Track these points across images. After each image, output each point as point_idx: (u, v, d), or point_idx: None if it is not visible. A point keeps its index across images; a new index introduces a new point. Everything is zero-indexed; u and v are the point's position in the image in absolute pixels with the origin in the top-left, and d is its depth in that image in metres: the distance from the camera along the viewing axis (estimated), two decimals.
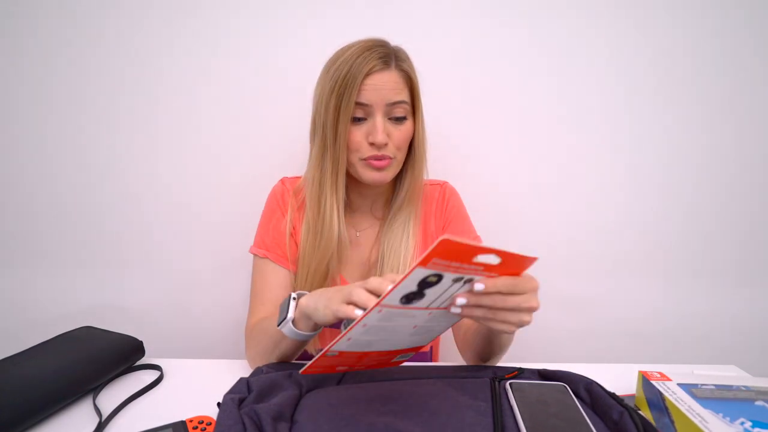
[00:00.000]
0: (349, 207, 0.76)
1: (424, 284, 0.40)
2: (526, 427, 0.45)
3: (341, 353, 0.50)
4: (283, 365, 0.59)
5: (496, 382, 0.54)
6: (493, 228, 0.83)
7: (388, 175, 0.68)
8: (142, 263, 1.01)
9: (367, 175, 0.68)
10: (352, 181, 0.72)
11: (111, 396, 0.58)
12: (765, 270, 1.08)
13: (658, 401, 0.53)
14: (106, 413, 0.54)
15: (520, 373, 0.58)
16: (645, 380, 0.57)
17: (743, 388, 0.54)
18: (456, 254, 0.38)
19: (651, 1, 0.94)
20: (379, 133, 0.64)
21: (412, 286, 0.40)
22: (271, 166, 0.91)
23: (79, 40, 0.90)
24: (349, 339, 0.46)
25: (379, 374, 0.57)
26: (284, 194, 0.76)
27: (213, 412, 0.52)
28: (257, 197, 0.81)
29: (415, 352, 0.54)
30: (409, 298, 0.41)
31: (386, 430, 0.43)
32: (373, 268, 0.76)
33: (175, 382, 0.62)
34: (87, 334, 0.67)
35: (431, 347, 0.82)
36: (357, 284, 0.48)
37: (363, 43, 0.65)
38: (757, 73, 0.97)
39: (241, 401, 0.47)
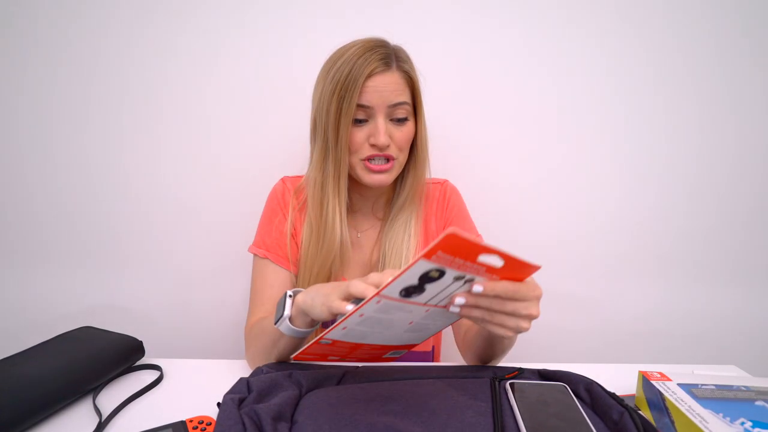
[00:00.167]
0: (350, 208, 0.76)
1: (426, 279, 0.40)
2: (526, 427, 0.45)
3: (334, 342, 0.51)
4: (283, 365, 0.59)
5: (496, 382, 0.54)
6: (493, 228, 0.83)
7: (390, 177, 0.68)
8: (142, 263, 1.01)
9: (369, 177, 0.68)
10: (352, 182, 0.72)
11: (111, 396, 0.58)
12: (765, 270, 1.08)
13: (658, 401, 0.53)
14: (106, 413, 0.54)
15: (520, 373, 0.58)
16: (645, 380, 0.57)
17: (743, 388, 0.53)
18: (460, 250, 0.38)
19: (650, 2, 0.94)
20: (381, 134, 0.64)
21: (413, 279, 0.40)
22: (271, 166, 0.91)
23: (80, 39, 0.90)
24: (344, 328, 0.47)
25: (379, 374, 0.57)
26: (285, 194, 0.76)
27: (213, 412, 0.52)
28: (257, 197, 0.81)
29: (408, 350, 0.54)
30: (408, 292, 0.41)
31: (386, 430, 0.43)
32: (374, 268, 0.76)
33: (175, 382, 0.62)
34: (87, 334, 0.67)
35: (433, 347, 0.82)
36: (356, 280, 0.48)
37: (363, 44, 0.64)
38: (755, 73, 0.97)
39: (241, 401, 0.47)
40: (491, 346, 0.60)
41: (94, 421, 0.52)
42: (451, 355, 0.89)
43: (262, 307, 0.70)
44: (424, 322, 0.48)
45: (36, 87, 0.92)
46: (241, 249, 0.80)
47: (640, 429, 0.44)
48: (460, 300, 0.43)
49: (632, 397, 0.59)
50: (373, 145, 0.65)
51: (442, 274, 0.40)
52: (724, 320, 1.10)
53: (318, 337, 0.48)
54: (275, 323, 0.56)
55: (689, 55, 0.96)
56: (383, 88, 0.63)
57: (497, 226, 0.95)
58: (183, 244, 1.01)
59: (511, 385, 0.53)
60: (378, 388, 0.52)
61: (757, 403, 0.51)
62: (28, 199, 0.96)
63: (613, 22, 0.94)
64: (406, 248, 0.72)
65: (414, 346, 0.53)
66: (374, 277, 0.47)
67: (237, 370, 0.65)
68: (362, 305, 0.42)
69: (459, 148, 0.99)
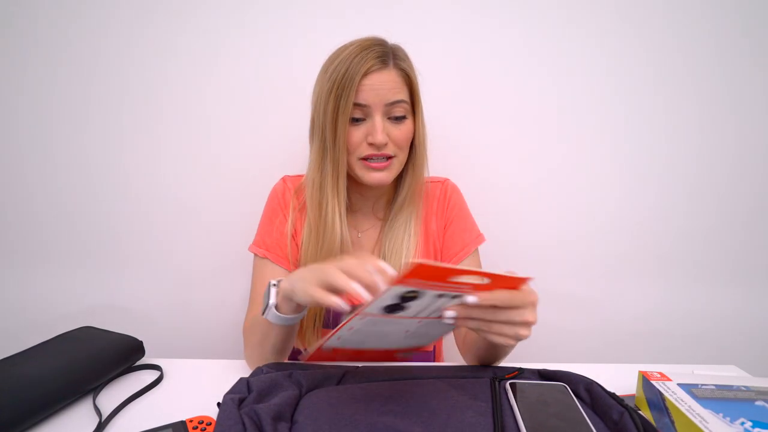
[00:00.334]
0: (350, 208, 0.76)
1: (405, 299, 0.40)
2: (526, 427, 0.45)
3: (335, 350, 0.51)
4: (283, 365, 0.59)
5: (496, 382, 0.54)
6: (493, 228, 0.83)
7: (389, 175, 0.68)
8: (142, 263, 1.01)
9: (368, 176, 0.67)
10: (352, 182, 0.72)
11: (111, 396, 0.58)
12: (765, 270, 1.08)
13: (658, 401, 0.53)
14: (106, 413, 0.54)
15: (520, 373, 0.58)
16: (645, 380, 0.57)
17: (743, 388, 0.53)
18: (432, 275, 0.38)
19: (650, 2, 0.94)
20: (379, 133, 0.64)
21: (392, 299, 0.40)
22: (271, 166, 0.91)
23: (80, 39, 0.90)
24: (338, 338, 0.48)
25: (379, 374, 0.57)
26: (285, 193, 0.76)
27: (213, 412, 0.52)
28: (257, 197, 0.81)
29: (417, 351, 0.54)
30: (391, 309, 0.42)
31: (386, 430, 0.43)
32: None
33: (175, 382, 0.62)
34: (87, 334, 0.67)
35: (434, 347, 0.82)
36: (333, 265, 0.46)
37: (360, 43, 0.64)
38: (755, 73, 0.97)
39: (241, 401, 0.47)
40: (491, 350, 0.60)
41: (94, 421, 0.52)
42: (453, 356, 0.89)
43: (259, 306, 0.70)
44: (421, 330, 0.49)
45: (36, 87, 0.92)
46: (241, 249, 0.80)
47: (640, 429, 0.44)
48: (450, 314, 0.43)
49: (632, 397, 0.59)
50: (371, 144, 0.65)
51: (422, 294, 0.40)
52: (724, 320, 1.10)
53: (317, 345, 0.50)
54: (262, 313, 0.56)
55: (689, 55, 0.96)
56: (380, 86, 0.63)
57: (497, 226, 0.94)
58: (183, 244, 1.01)
59: (511, 385, 0.53)
60: (378, 388, 0.52)
61: (757, 403, 0.51)
62: (28, 199, 0.96)
63: (613, 22, 0.94)
64: (407, 248, 0.72)
65: (423, 348, 0.53)
66: (350, 264, 0.44)
67: (237, 370, 0.65)
68: (348, 321, 0.42)
69: (459, 148, 0.99)
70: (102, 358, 0.61)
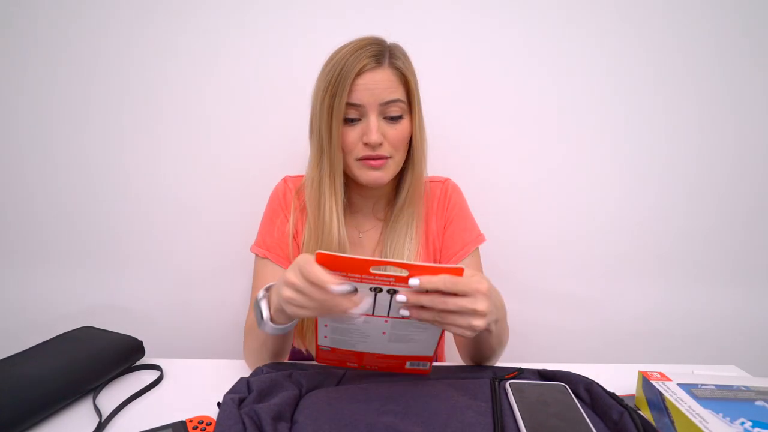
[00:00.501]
0: (350, 208, 0.76)
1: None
2: (526, 427, 0.45)
3: (333, 349, 0.53)
4: (283, 365, 0.59)
5: (496, 383, 0.54)
6: (493, 227, 0.83)
7: (386, 175, 0.68)
8: (142, 263, 1.01)
9: (364, 176, 0.67)
10: (352, 182, 0.72)
11: (111, 396, 0.58)
12: (765, 270, 1.08)
13: (658, 401, 0.53)
14: (106, 413, 0.54)
15: (520, 373, 0.58)
16: (645, 380, 0.57)
17: (743, 388, 0.53)
18: (340, 266, 0.42)
19: (650, 2, 0.94)
20: (373, 133, 0.63)
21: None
22: (271, 166, 0.91)
23: (80, 39, 0.90)
24: (325, 337, 0.51)
25: (378, 374, 0.57)
26: (286, 193, 0.76)
27: (213, 412, 0.52)
28: (257, 197, 0.81)
29: (429, 362, 0.55)
30: None
31: (386, 430, 0.43)
32: None
33: (175, 382, 0.62)
34: (87, 334, 0.67)
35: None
36: (288, 277, 0.46)
37: (356, 42, 0.64)
38: (755, 73, 0.97)
39: (241, 401, 0.47)
40: (476, 346, 0.60)
41: (94, 421, 0.52)
42: (453, 356, 0.89)
43: None
44: (400, 332, 0.50)
45: (36, 87, 0.92)
46: (241, 249, 0.81)
47: (640, 429, 0.44)
48: (401, 297, 0.43)
49: (632, 397, 0.59)
50: (366, 144, 0.65)
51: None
52: (724, 320, 1.10)
53: (315, 343, 0.53)
54: (259, 327, 0.56)
55: (689, 55, 0.96)
56: (374, 85, 0.62)
57: (497, 226, 0.94)
58: (183, 244, 1.01)
59: (511, 385, 0.53)
60: (378, 388, 0.52)
61: (757, 403, 0.51)
62: (28, 199, 0.96)
63: (613, 22, 0.94)
64: (408, 249, 0.72)
65: (427, 357, 0.54)
66: (307, 267, 0.44)
67: (237, 370, 0.65)
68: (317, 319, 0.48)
69: (459, 148, 0.99)
70: (102, 358, 0.61)
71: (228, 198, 0.99)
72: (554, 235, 1.04)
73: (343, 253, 0.70)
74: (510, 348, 0.66)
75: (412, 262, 0.42)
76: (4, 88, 0.91)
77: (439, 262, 0.76)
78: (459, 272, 0.43)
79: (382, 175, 0.67)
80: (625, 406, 0.47)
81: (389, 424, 0.44)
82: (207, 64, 0.93)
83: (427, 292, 0.43)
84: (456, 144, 0.99)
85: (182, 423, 0.50)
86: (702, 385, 0.54)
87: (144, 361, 0.67)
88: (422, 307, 0.44)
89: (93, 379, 0.58)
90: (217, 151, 0.97)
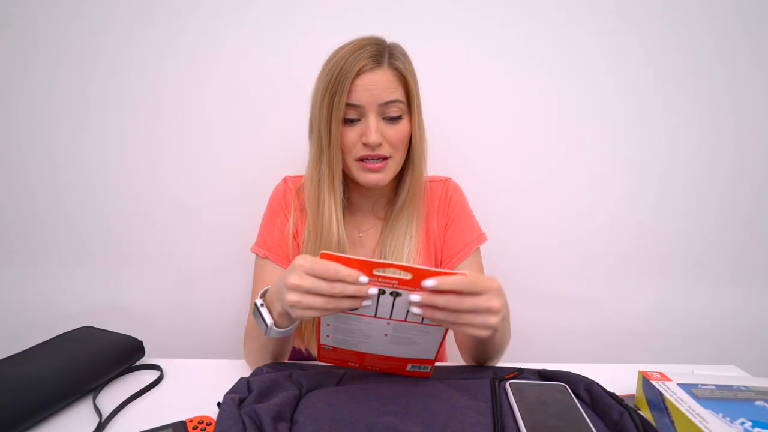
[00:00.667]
0: (350, 208, 0.76)
1: None
2: (526, 427, 0.45)
3: (335, 348, 0.52)
4: (283, 365, 0.59)
5: (496, 383, 0.54)
6: (493, 228, 0.83)
7: (386, 176, 0.68)
8: (142, 263, 1.01)
9: (364, 177, 0.67)
10: (352, 182, 0.72)
11: (111, 396, 0.58)
12: (765, 270, 1.08)
13: (658, 401, 0.53)
14: (106, 413, 0.54)
15: (520, 373, 0.58)
16: (645, 380, 0.57)
17: (743, 388, 0.53)
18: (346, 266, 0.42)
19: (650, 2, 0.94)
20: (372, 133, 0.63)
21: None
22: (271, 166, 0.91)
23: (80, 39, 0.90)
24: (327, 336, 0.51)
25: (379, 374, 0.57)
26: (287, 193, 0.76)
27: (213, 412, 0.52)
28: (257, 197, 0.81)
29: (430, 365, 0.55)
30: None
31: (386, 430, 0.43)
32: None
33: (175, 382, 0.62)
34: (87, 334, 0.67)
35: None
36: (291, 281, 0.45)
37: (356, 42, 0.64)
38: (755, 73, 0.97)
39: (241, 401, 0.47)
40: (483, 345, 0.60)
41: (94, 421, 0.52)
42: (453, 356, 0.89)
43: None
44: (402, 335, 0.50)
45: (36, 87, 0.92)
46: (241, 249, 0.81)
47: (640, 429, 0.44)
48: (415, 297, 0.43)
49: (632, 397, 0.59)
50: (365, 145, 0.65)
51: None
52: (724, 320, 1.10)
53: (318, 342, 0.53)
54: (265, 334, 0.55)
55: (689, 55, 0.96)
56: (373, 86, 0.62)
57: (497, 226, 0.94)
58: (183, 244, 1.01)
59: (511, 385, 0.53)
60: (378, 388, 0.52)
61: (757, 403, 0.51)
62: (28, 199, 0.96)
63: (613, 22, 0.94)
64: (408, 249, 0.72)
65: (429, 360, 0.54)
66: (321, 264, 0.44)
67: (237, 370, 0.65)
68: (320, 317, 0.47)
69: (459, 148, 0.99)
70: (102, 358, 0.61)
71: (228, 198, 0.99)
72: (554, 235, 1.04)
73: (343, 252, 0.71)
74: (510, 348, 0.66)
75: (416, 266, 0.42)
76: (4, 88, 0.91)
77: (440, 262, 0.76)
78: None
79: (382, 176, 0.67)
80: (625, 406, 0.47)
81: (389, 424, 0.44)
82: (207, 64, 0.93)
83: (440, 291, 0.43)
84: (456, 144, 0.99)
85: (182, 423, 0.50)
86: (702, 385, 0.54)
87: (144, 361, 0.67)
88: (435, 307, 0.44)
89: (93, 379, 0.58)
90: (217, 151, 0.97)
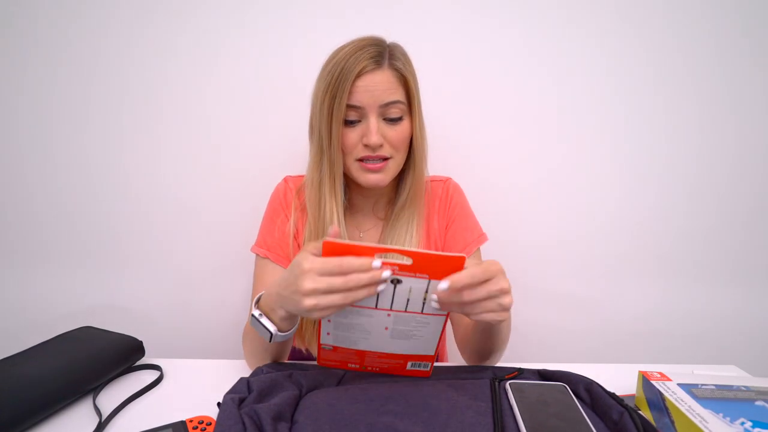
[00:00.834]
0: (351, 208, 0.76)
1: None
2: (526, 427, 0.45)
3: (335, 348, 0.52)
4: (283, 365, 0.59)
5: (496, 383, 0.54)
6: (493, 227, 0.83)
7: (386, 177, 0.68)
8: (142, 263, 1.01)
9: (364, 177, 0.67)
10: (353, 181, 0.72)
11: (111, 396, 0.58)
12: (765, 270, 1.08)
13: (658, 401, 0.53)
14: (106, 413, 0.54)
15: (520, 373, 0.58)
16: (645, 380, 0.57)
17: (743, 388, 0.53)
18: (348, 253, 0.43)
19: (650, 2, 0.94)
20: (373, 135, 0.63)
21: None
22: (271, 166, 0.91)
23: (80, 39, 0.90)
24: (328, 333, 0.51)
25: (379, 374, 0.57)
26: (287, 193, 0.76)
27: (213, 412, 0.52)
28: (257, 197, 0.81)
29: (430, 362, 0.55)
30: None
31: (386, 430, 0.43)
32: None
33: (175, 382, 0.62)
34: (87, 334, 0.67)
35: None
36: (307, 267, 0.44)
37: (356, 43, 0.64)
38: (755, 73, 0.97)
39: (241, 401, 0.47)
40: (490, 337, 0.60)
41: (94, 421, 0.52)
42: (453, 356, 0.89)
43: None
44: (404, 328, 0.50)
45: (36, 87, 0.92)
46: (241, 249, 0.81)
47: (640, 429, 0.44)
48: (434, 296, 0.46)
49: (632, 397, 0.59)
50: (366, 146, 0.65)
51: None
52: (724, 320, 1.10)
53: (318, 343, 0.53)
54: (269, 341, 0.54)
55: (689, 55, 0.96)
56: (374, 87, 0.62)
57: (497, 226, 0.94)
58: (183, 244, 1.01)
59: (511, 385, 0.53)
60: (378, 388, 0.52)
61: (757, 403, 0.51)
62: (28, 199, 0.96)
63: (613, 22, 0.94)
64: (408, 248, 0.72)
65: (428, 356, 0.54)
66: (333, 262, 0.44)
67: (237, 370, 0.65)
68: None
69: (459, 148, 0.99)
70: (102, 358, 0.61)
71: (228, 198, 0.99)
72: (554, 235, 1.04)
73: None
74: (510, 348, 0.66)
75: (415, 250, 0.43)
76: (4, 88, 0.91)
77: None
78: (461, 260, 0.44)
79: (382, 177, 0.67)
80: (625, 406, 0.47)
81: (389, 424, 0.44)
82: (207, 64, 0.93)
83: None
84: (456, 144, 0.99)
85: (182, 423, 0.50)
86: (702, 385, 0.54)
87: (144, 361, 0.67)
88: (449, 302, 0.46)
89: (93, 379, 0.58)
90: (217, 151, 0.97)
